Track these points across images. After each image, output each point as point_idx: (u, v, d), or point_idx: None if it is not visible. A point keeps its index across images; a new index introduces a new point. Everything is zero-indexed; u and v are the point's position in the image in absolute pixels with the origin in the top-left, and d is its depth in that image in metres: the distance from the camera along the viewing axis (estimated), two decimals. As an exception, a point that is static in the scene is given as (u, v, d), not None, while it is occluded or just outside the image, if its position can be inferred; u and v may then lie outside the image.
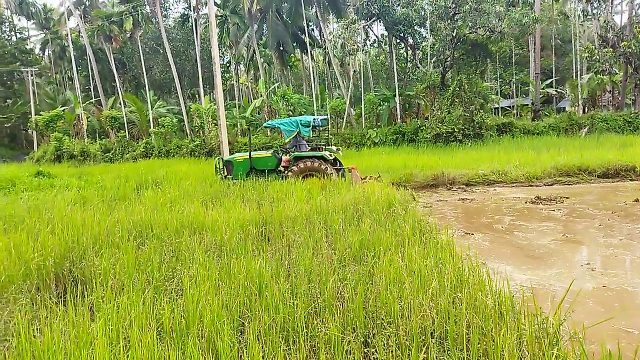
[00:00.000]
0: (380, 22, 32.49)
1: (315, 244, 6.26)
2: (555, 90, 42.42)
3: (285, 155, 13.79)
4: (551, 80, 42.84)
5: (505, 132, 27.80)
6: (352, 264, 5.32)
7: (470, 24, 27.62)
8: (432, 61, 31.49)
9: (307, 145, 13.93)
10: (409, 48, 35.06)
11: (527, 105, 42.54)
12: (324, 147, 13.98)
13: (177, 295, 4.70)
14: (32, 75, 40.33)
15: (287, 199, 10.00)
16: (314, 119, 13.92)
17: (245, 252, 6.12)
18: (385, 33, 35.48)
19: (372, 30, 39.35)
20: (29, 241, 6.70)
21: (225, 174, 13.96)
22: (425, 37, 33.47)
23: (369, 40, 39.71)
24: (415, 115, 32.23)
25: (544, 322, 3.72)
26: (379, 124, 32.29)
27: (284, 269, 5.14)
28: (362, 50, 34.73)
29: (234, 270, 5.20)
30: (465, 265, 5.00)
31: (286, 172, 13.32)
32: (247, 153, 14.12)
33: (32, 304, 4.93)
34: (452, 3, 27.26)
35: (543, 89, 39.68)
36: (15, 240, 6.70)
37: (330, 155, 13.49)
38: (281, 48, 38.22)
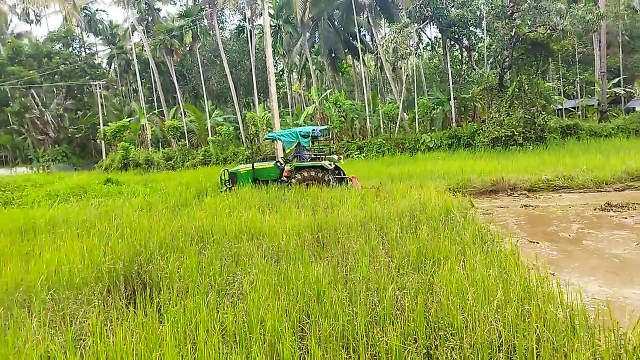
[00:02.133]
0: (433, 24, 31.92)
1: (372, 251, 6.20)
2: (624, 90, 39.68)
3: (287, 165, 14.07)
4: (619, 79, 40.13)
5: (570, 134, 26.35)
6: (411, 272, 5.22)
7: (529, 23, 26.49)
8: (489, 62, 30.47)
9: (309, 155, 14.21)
10: (464, 49, 34.17)
11: (593, 105, 40.05)
12: (324, 156, 14.22)
13: (237, 299, 4.82)
14: (100, 88, 43.05)
15: (341, 205, 10.01)
16: (313, 130, 14.27)
17: (302, 258, 6.17)
18: (439, 35, 34.82)
19: (425, 33, 38.71)
20: (100, 245, 7.13)
21: (231, 185, 14.30)
22: (481, 37, 32.49)
23: (422, 44, 39.10)
24: (471, 119, 31.30)
25: (622, 338, 3.47)
26: (433, 128, 31.66)
27: (341, 276, 5.13)
28: (415, 53, 34.25)
29: (291, 276, 5.26)
30: (531, 276, 4.76)
31: (288, 182, 13.54)
32: (250, 164, 14.57)
33: (104, 305, 5.22)
34: (510, 2, 26.29)
35: (610, 88, 37.25)
36: (87, 245, 7.14)
37: (331, 164, 13.71)
38: (333, 55, 38.48)
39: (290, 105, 44.21)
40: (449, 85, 30.65)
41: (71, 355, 3.63)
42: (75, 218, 9.50)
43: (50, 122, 43.61)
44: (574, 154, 19.33)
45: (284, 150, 14.14)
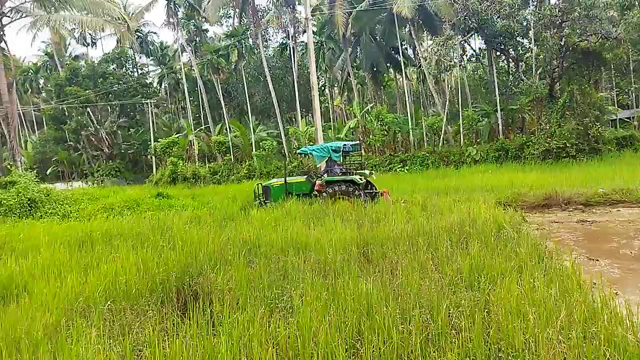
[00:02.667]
0: (478, 35, 31.35)
1: (421, 267, 6.07)
2: (684, 98, 37.34)
3: (319, 179, 14.21)
4: (678, 87, 37.80)
5: (626, 146, 25.02)
6: (464, 289, 5.05)
7: (579, 32, 25.54)
8: (538, 72, 29.54)
9: (340, 170, 14.34)
10: (510, 60, 33.32)
11: (650, 115, 37.88)
12: (354, 171, 14.34)
13: (287, 314, 4.81)
14: (151, 107, 44.97)
15: (387, 220, 9.89)
16: (344, 145, 14.53)
17: (350, 273, 6.11)
18: (484, 46, 34.15)
19: (470, 45, 38.05)
20: (154, 257, 7.36)
21: (264, 199, 14.45)
22: (529, 48, 31.58)
23: (466, 55, 38.45)
24: (519, 131, 30.32)
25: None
26: (478, 140, 30.90)
27: (393, 292, 5.03)
28: (459, 65, 33.70)
29: (340, 291, 5.21)
30: (595, 296, 4.50)
31: (320, 196, 13.63)
32: (283, 179, 14.70)
33: (158, 316, 5.35)
34: (559, 11, 25.47)
35: (670, 97, 35.18)
36: (142, 257, 7.39)
37: (361, 179, 13.76)
38: (375, 69, 38.51)
39: (332, 120, 44.46)
40: (495, 96, 29.90)
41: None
42: (129, 231, 9.87)
43: (104, 139, 45.86)
44: (631, 166, 18.30)
45: (330, 161, 14.25)
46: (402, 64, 35.44)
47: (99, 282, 6.11)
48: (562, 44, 25.90)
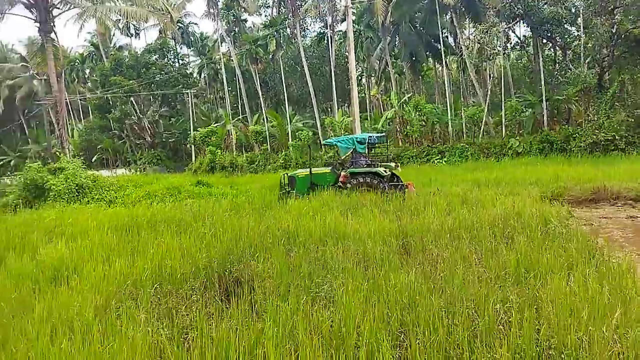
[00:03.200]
0: (523, 22, 30.20)
1: (464, 261, 5.94)
2: None
3: (344, 171, 14.18)
4: None
5: (682, 139, 23.57)
6: (510, 285, 4.91)
7: (632, 18, 24.16)
8: (586, 61, 28.21)
9: (365, 162, 14.27)
10: (557, 48, 31.95)
11: None
12: (379, 163, 14.33)
13: (329, 303, 4.82)
14: (191, 96, 45.93)
15: (426, 211, 9.74)
16: (370, 137, 14.65)
17: (390, 265, 6.06)
18: (529, 34, 32.89)
19: (514, 32, 36.71)
20: (197, 244, 7.54)
21: (290, 189, 14.44)
22: (577, 35, 30.17)
23: (510, 43, 37.15)
24: (565, 122, 29.11)
25: None
26: (521, 132, 29.88)
27: (434, 285, 4.95)
28: (503, 54, 32.58)
29: (380, 282, 5.18)
30: (652, 295, 4.28)
31: (344, 187, 13.58)
32: (308, 169, 14.78)
33: (202, 300, 5.47)
34: (611, -4, 24.19)
35: None
36: (185, 243, 7.59)
37: (386, 171, 13.74)
38: (413, 58, 37.80)
39: (368, 110, 44.08)
40: (540, 86, 28.77)
41: (180, 348, 3.84)
42: (172, 217, 10.14)
43: (146, 127, 47.26)
44: (689, 160, 17.27)
45: (355, 153, 14.26)
46: (443, 52, 34.61)
47: (146, 266, 6.31)
48: (614, 31, 24.57)
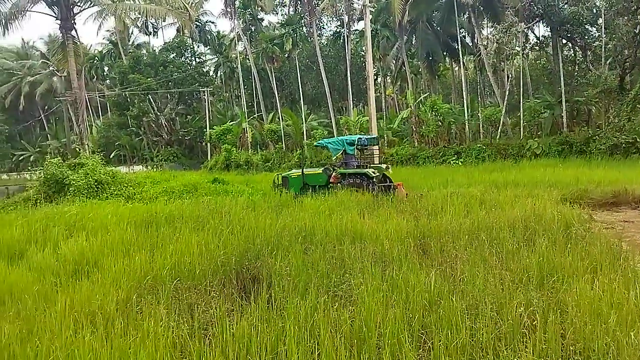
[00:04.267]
0: (543, 22, 29.76)
1: (484, 262, 5.87)
2: None
3: (335, 172, 14.62)
4: None
5: None
6: (533, 288, 4.83)
7: (657, 19, 23.63)
8: (607, 62, 27.69)
9: (356, 163, 14.71)
10: (577, 49, 31.42)
11: None
12: (369, 164, 14.84)
13: (347, 302, 4.80)
14: (207, 95, 46.27)
15: (444, 212, 9.66)
16: (360, 138, 15.07)
17: (408, 265, 6.02)
18: (548, 34, 32.37)
19: (533, 32, 36.18)
20: (215, 240, 7.59)
21: (283, 189, 14.73)
22: (598, 36, 29.63)
23: (529, 43, 36.62)
24: (585, 124, 28.62)
25: None
26: (539, 133, 29.46)
27: (454, 287, 4.90)
28: (521, 54, 32.14)
29: (400, 282, 5.15)
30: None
31: (334, 187, 13.93)
32: (301, 170, 15.18)
33: (220, 297, 5.50)
34: (635, -4, 23.69)
35: None
36: (203, 239, 7.64)
37: (375, 172, 14.23)
38: (430, 57, 37.54)
39: (383, 110, 43.89)
40: (559, 87, 28.34)
41: (201, 343, 3.86)
42: (190, 213, 10.22)
43: (164, 125, 47.73)
44: None
45: (345, 154, 14.92)
46: (460, 52, 34.30)
47: (165, 262, 6.37)
48: (636, 31, 24.07)
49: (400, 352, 3.37)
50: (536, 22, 29.40)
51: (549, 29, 30.22)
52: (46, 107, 58.32)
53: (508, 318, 3.81)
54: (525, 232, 7.29)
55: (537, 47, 38.29)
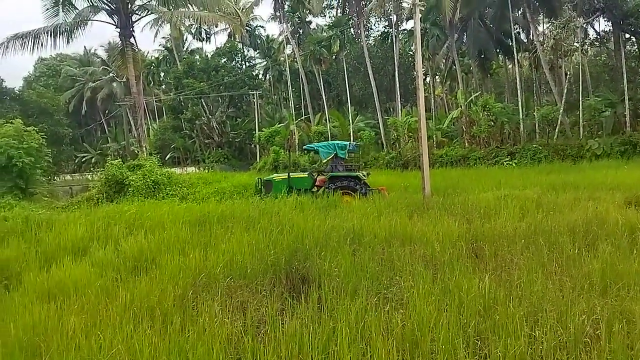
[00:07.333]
0: (603, 17, 28.18)
1: (543, 268, 5.63)
2: None
3: (321, 175, 15.15)
4: None
5: None
6: (596, 296, 4.58)
7: None
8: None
9: (343, 168, 15.20)
10: (643, 43, 29.51)
11: None
12: (358, 168, 15.68)
13: (398, 305, 4.74)
14: (256, 97, 47.26)
15: (498, 215, 9.35)
16: (349, 144, 15.99)
17: (461, 269, 5.87)
18: (609, 29, 30.64)
19: (593, 27, 34.33)
20: (265, 240, 7.73)
21: (264, 193, 14.85)
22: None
23: (588, 39, 34.76)
24: (650, 123, 26.81)
25: None
26: (600, 133, 27.88)
27: (514, 293, 4.72)
28: (580, 50, 30.55)
29: (452, 286, 5.03)
30: None
31: (320, 190, 14.48)
32: (285, 174, 15.57)
33: (271, 296, 5.58)
34: None
35: None
36: (254, 239, 7.80)
37: (366, 175, 14.97)
38: (482, 55, 36.43)
39: (432, 110, 43.07)
40: (621, 84, 26.69)
41: (255, 341, 3.94)
42: (241, 214, 10.46)
43: (215, 128, 49.19)
44: None
45: (336, 158, 15.49)
46: (514, 49, 33.06)
47: (218, 260, 6.55)
48: None
49: (454, 358, 3.30)
50: (596, 17, 27.86)
51: (610, 23, 28.58)
52: (107, 111, 61.53)
53: (569, 326, 3.63)
54: (587, 237, 6.93)
55: (597, 43, 36.29)
